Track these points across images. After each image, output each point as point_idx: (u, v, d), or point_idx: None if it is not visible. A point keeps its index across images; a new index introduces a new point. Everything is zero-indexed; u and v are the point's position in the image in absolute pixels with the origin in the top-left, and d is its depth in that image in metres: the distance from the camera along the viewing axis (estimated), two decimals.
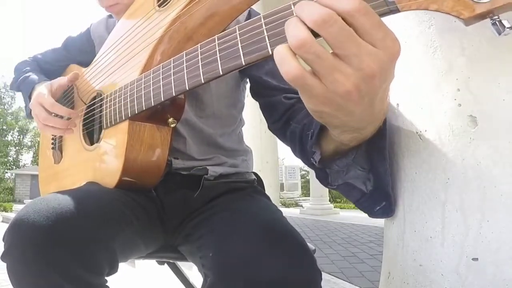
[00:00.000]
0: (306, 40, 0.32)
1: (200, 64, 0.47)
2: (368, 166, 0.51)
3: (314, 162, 0.53)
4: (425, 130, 0.58)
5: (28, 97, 0.90)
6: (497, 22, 0.33)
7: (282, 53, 0.34)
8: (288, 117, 0.68)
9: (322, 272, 0.52)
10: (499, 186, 0.50)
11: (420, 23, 0.59)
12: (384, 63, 0.33)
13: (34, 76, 0.95)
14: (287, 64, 0.34)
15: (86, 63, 0.91)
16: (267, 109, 0.74)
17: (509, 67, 0.50)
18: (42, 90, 0.80)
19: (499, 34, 0.33)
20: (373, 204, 0.54)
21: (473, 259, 0.51)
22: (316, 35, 0.34)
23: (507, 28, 0.33)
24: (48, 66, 1.05)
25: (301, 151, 0.60)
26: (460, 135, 0.53)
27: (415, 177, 0.59)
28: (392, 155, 0.66)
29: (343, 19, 0.32)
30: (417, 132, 0.59)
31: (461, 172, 0.53)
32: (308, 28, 0.33)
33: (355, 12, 0.32)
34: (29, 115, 0.90)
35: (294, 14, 0.35)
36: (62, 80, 0.82)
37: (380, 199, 0.54)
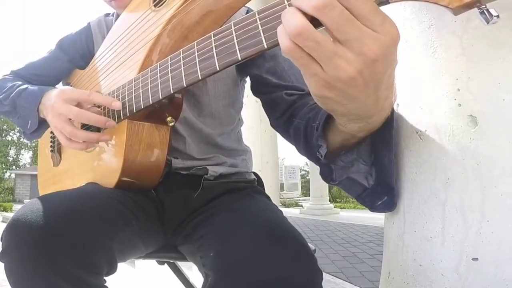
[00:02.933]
0: (304, 28, 0.33)
1: (197, 60, 0.47)
2: (371, 160, 0.50)
3: (320, 156, 0.52)
4: (425, 130, 0.58)
5: (36, 110, 0.75)
6: (484, 11, 0.34)
7: (279, 30, 0.35)
8: (290, 114, 0.68)
9: (322, 272, 0.52)
10: (499, 186, 0.50)
11: (420, 23, 0.59)
12: (387, 47, 0.33)
13: (34, 87, 0.80)
14: (282, 38, 0.34)
15: (81, 66, 0.90)
16: (269, 106, 0.74)
17: (509, 67, 0.50)
18: (69, 88, 0.68)
19: (487, 22, 0.34)
20: (374, 199, 0.54)
21: (473, 259, 0.51)
22: (315, 25, 0.34)
23: (495, 16, 0.33)
24: (40, 78, 0.92)
25: (306, 147, 0.60)
26: (460, 135, 0.53)
27: (415, 177, 0.59)
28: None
29: (344, 7, 0.32)
30: (417, 132, 0.59)
31: (461, 172, 0.53)
32: (307, 18, 0.33)
33: None
34: (32, 135, 0.80)
35: (289, 6, 0.36)
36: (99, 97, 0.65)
37: (382, 193, 0.53)
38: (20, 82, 0.84)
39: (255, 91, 0.79)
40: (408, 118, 0.62)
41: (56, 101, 0.66)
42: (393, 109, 0.46)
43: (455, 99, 0.54)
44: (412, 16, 0.60)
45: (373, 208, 0.55)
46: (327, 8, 0.32)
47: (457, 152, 0.54)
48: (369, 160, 0.51)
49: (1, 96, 0.82)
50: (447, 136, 0.55)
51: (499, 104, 0.50)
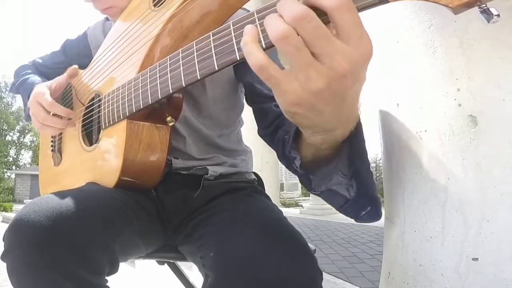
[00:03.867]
0: (288, 32, 0.33)
1: (196, 60, 0.47)
2: (350, 173, 0.50)
3: (296, 168, 0.53)
4: (425, 130, 0.58)
5: (27, 98, 0.88)
6: (485, 10, 0.34)
7: (249, 46, 0.36)
8: (277, 124, 0.68)
9: (322, 272, 0.52)
10: (499, 186, 0.50)
11: (420, 23, 0.59)
12: (356, 63, 0.34)
13: (33, 78, 0.94)
14: (253, 55, 0.35)
15: (84, 66, 0.91)
16: (258, 116, 0.75)
17: (509, 67, 0.50)
18: (41, 89, 0.79)
19: (488, 22, 0.34)
20: (358, 209, 0.53)
21: (473, 259, 0.51)
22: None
23: (495, 15, 0.33)
24: (48, 70, 1.04)
25: (284, 157, 0.60)
26: (460, 135, 0.53)
27: (415, 177, 0.59)
28: (392, 155, 0.66)
29: (328, 15, 0.33)
30: (417, 132, 0.59)
31: (461, 172, 0.53)
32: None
33: (341, 8, 0.33)
34: (27, 117, 0.89)
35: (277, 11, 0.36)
36: (60, 78, 0.82)
37: (365, 204, 0.52)
38: (29, 71, 1.00)
39: (247, 99, 0.80)
40: (408, 118, 0.62)
41: (30, 100, 0.80)
42: (359, 124, 0.46)
43: (455, 99, 0.54)
44: (412, 16, 0.60)
45: (358, 218, 0.54)
46: (304, 20, 0.32)
47: (457, 152, 0.54)
48: (348, 173, 0.50)
49: (14, 81, 1.01)
50: (447, 136, 0.55)
51: (499, 104, 0.50)
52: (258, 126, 0.75)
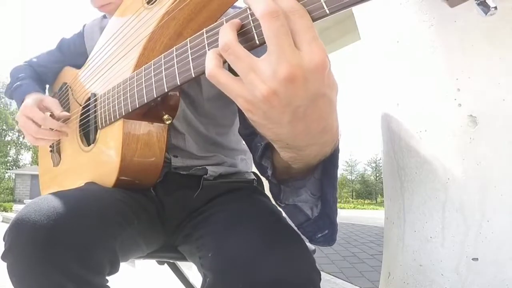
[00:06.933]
0: (229, 43, 0.36)
1: (190, 58, 0.47)
2: (319, 194, 0.50)
3: (268, 177, 0.53)
4: (425, 130, 0.58)
5: (20, 105, 0.88)
6: (482, 2, 0.33)
7: (207, 55, 0.39)
8: (255, 130, 0.68)
9: (322, 272, 0.52)
10: (499, 186, 0.50)
11: (420, 23, 0.59)
12: (306, 70, 0.33)
13: (27, 86, 0.94)
14: (207, 63, 0.38)
15: (80, 66, 0.90)
16: (241, 114, 0.74)
17: (509, 67, 0.50)
18: (30, 102, 0.81)
19: (485, 14, 0.33)
20: (315, 231, 0.52)
21: (473, 259, 0.51)
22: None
23: (492, 8, 0.33)
24: (43, 69, 1.05)
25: (257, 163, 0.59)
26: (460, 135, 0.53)
27: (415, 177, 0.59)
28: (392, 155, 0.66)
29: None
30: (417, 132, 0.59)
31: (461, 172, 0.53)
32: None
33: (294, 12, 0.33)
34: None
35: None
36: (53, 105, 0.82)
37: (323, 227, 0.52)
38: (23, 75, 0.99)
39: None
40: (408, 118, 0.62)
41: (18, 114, 0.80)
42: (336, 149, 0.45)
43: (455, 99, 0.54)
44: (412, 16, 0.60)
45: (312, 240, 0.54)
46: (271, 15, 0.33)
47: (457, 152, 0.54)
48: (317, 193, 0.50)
49: (9, 85, 1.00)
50: (447, 136, 0.55)
51: (499, 104, 0.50)
52: (240, 124, 0.74)
